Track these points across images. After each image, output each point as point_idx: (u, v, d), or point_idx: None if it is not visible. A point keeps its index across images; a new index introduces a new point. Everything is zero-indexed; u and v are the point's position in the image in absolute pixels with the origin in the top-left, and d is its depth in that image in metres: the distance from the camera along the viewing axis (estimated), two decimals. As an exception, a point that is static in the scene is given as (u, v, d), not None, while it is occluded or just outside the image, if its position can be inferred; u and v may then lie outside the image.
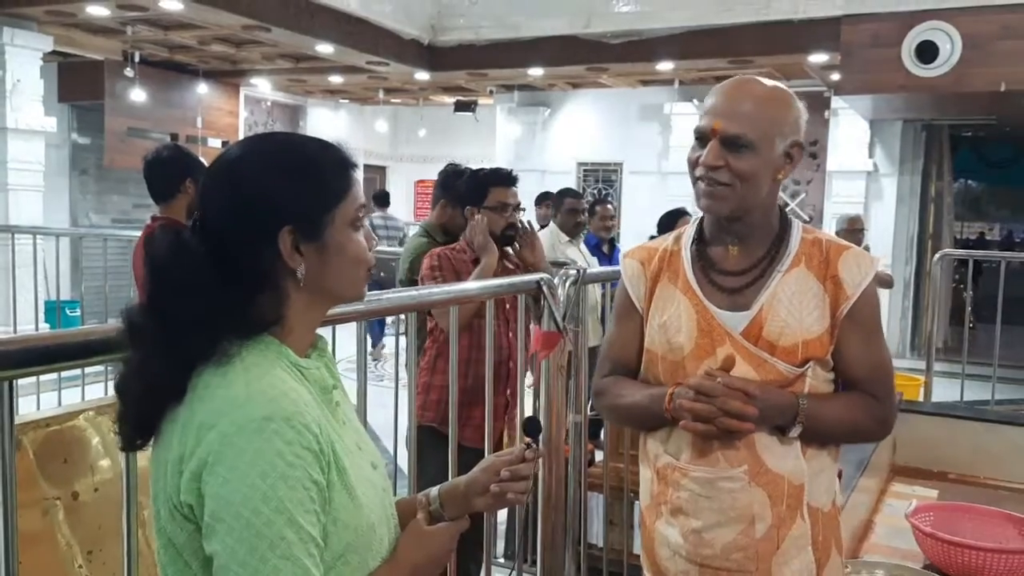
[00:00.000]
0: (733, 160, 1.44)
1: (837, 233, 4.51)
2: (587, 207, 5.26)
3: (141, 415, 1.02)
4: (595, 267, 4.46)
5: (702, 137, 1.49)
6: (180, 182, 3.12)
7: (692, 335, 1.51)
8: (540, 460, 1.86)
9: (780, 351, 1.47)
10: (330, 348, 1.16)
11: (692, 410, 1.43)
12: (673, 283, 1.57)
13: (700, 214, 1.59)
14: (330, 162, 1.08)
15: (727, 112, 1.45)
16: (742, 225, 1.52)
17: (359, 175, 1.12)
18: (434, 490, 1.25)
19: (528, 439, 1.26)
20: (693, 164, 1.50)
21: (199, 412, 0.97)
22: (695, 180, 1.50)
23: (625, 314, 1.64)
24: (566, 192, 5.31)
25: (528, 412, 2.55)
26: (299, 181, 1.04)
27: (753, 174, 1.45)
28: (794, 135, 1.49)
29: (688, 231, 1.62)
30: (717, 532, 1.49)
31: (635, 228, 8.18)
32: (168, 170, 3.15)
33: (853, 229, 5.37)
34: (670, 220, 4.95)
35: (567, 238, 4.92)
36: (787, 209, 1.62)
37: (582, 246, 5.05)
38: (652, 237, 5.05)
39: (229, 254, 1.02)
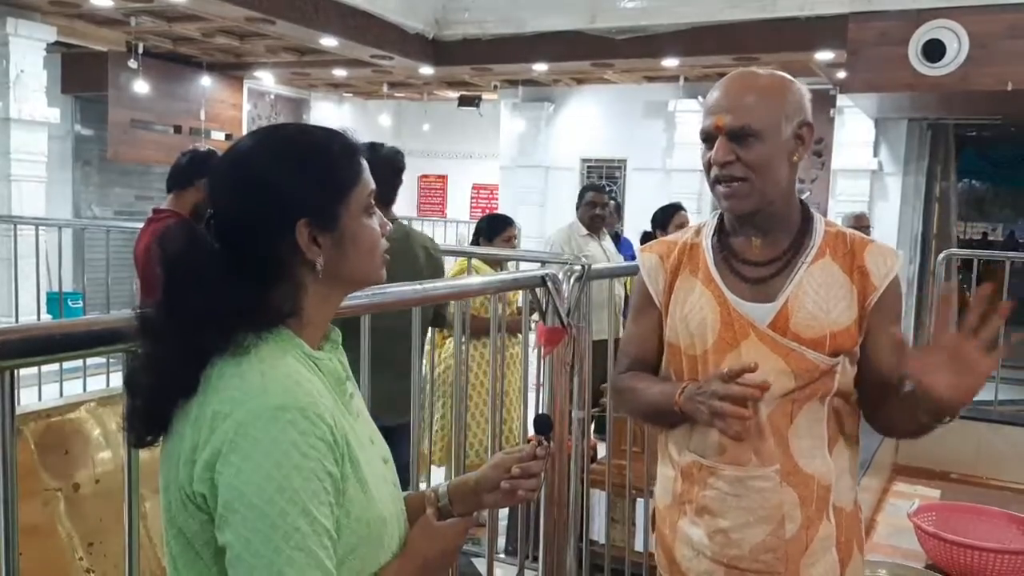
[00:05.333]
0: (743, 152, 1.44)
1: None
2: (609, 203, 5.16)
3: (152, 409, 1.01)
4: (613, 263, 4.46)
5: (708, 138, 1.48)
6: (197, 177, 3.18)
7: (715, 327, 1.49)
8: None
9: (807, 343, 1.45)
10: (341, 340, 1.15)
11: (720, 412, 1.35)
12: (694, 275, 1.55)
13: (707, 208, 1.58)
14: (339, 150, 1.07)
15: (727, 107, 1.45)
16: (764, 217, 1.50)
17: (366, 162, 1.11)
18: (443, 486, 1.25)
19: (540, 436, 1.25)
20: (707, 167, 1.49)
21: (213, 401, 0.96)
22: (713, 184, 1.49)
23: (643, 309, 1.62)
24: (588, 186, 5.27)
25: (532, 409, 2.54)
26: (311, 172, 1.04)
27: (766, 162, 1.44)
28: (800, 115, 1.48)
29: (708, 224, 1.61)
30: (745, 532, 1.47)
31: (638, 225, 8.13)
32: (193, 164, 3.24)
33: (859, 227, 5.34)
34: (664, 216, 4.93)
35: (585, 232, 4.89)
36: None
37: (606, 242, 5.01)
38: (646, 232, 5.04)
39: (245, 249, 1.02)
